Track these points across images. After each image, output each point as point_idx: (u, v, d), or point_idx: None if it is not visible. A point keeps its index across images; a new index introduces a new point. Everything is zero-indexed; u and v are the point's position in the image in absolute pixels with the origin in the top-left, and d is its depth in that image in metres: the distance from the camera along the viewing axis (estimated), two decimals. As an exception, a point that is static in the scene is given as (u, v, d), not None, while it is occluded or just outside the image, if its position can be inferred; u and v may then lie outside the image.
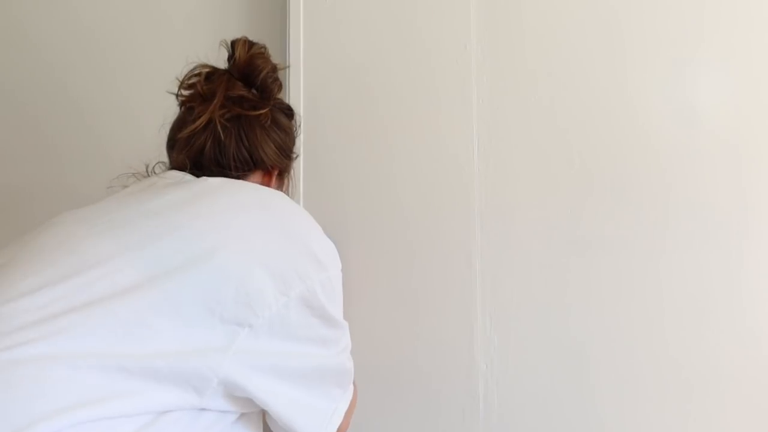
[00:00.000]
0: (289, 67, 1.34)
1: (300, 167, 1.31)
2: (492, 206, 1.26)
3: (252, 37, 1.44)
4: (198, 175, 0.92)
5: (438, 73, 1.31)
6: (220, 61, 1.44)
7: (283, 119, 1.06)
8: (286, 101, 1.34)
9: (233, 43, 1.05)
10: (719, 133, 1.24)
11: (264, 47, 1.07)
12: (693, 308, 1.21)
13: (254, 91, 1.02)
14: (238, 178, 0.94)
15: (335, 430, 0.89)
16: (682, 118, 1.25)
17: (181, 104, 1.03)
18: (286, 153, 1.05)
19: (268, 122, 1.00)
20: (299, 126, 1.16)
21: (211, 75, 1.03)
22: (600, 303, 1.23)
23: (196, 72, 1.02)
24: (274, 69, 1.06)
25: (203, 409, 0.75)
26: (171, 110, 1.46)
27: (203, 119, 0.95)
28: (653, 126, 1.25)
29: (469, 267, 1.26)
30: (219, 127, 0.94)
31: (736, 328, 1.19)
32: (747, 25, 1.25)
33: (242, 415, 0.82)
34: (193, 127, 0.96)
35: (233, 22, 1.45)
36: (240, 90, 1.00)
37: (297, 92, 1.34)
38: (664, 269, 1.22)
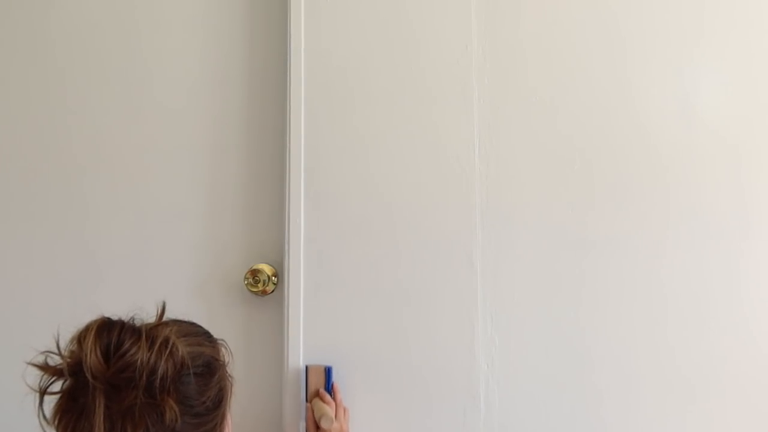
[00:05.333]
0: (289, 67, 1.34)
1: (300, 167, 1.31)
2: (493, 206, 1.27)
3: (252, 37, 1.45)
4: None
5: (439, 73, 1.31)
6: (220, 60, 1.46)
7: None
8: (287, 101, 1.35)
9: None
10: (719, 134, 1.24)
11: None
12: (693, 307, 1.21)
13: None
14: None
15: None
16: (683, 119, 1.25)
17: None
18: None
19: None
20: None
21: None
22: (601, 302, 1.23)
23: None
24: None
25: None
26: (171, 109, 1.47)
27: None
28: (654, 126, 1.26)
29: (469, 267, 1.26)
30: None
31: (737, 327, 1.19)
32: (745, 26, 1.26)
33: None
34: None
35: (233, 22, 1.45)
36: None
37: (297, 92, 1.33)
38: (664, 268, 1.22)
